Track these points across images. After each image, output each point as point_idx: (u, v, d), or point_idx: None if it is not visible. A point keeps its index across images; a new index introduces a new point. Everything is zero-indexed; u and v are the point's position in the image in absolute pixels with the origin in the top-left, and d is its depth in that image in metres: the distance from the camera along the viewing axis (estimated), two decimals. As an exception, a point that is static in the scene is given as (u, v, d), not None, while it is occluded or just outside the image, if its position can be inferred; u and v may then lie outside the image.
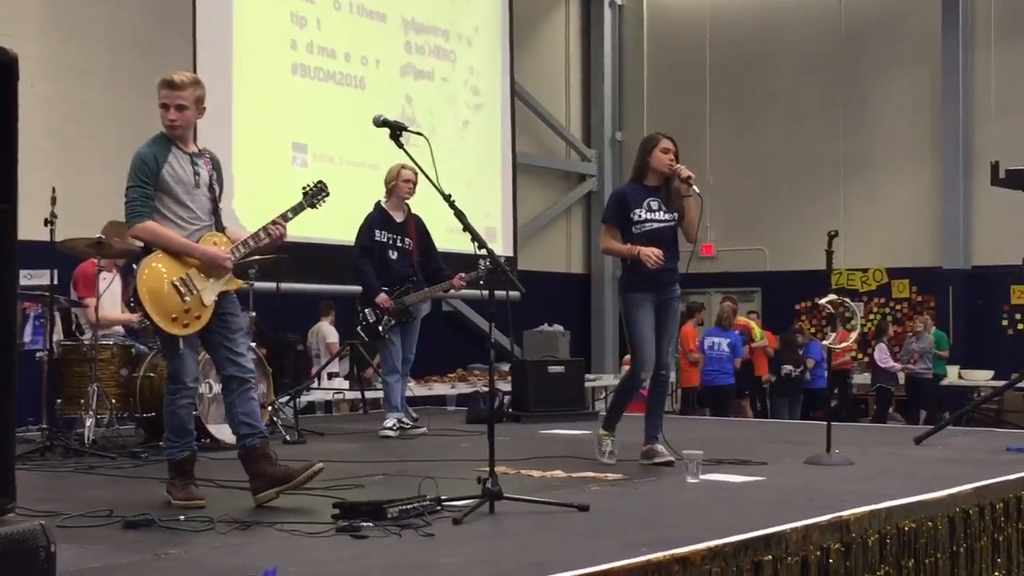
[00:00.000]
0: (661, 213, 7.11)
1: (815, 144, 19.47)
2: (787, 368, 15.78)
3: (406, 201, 9.22)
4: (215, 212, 5.77)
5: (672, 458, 6.99)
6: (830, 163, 19.34)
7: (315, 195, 5.94)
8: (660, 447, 7.11)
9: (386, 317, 9.04)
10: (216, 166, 5.82)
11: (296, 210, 5.87)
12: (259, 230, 5.77)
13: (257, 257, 5.97)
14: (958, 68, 18.28)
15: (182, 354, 5.57)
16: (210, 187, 5.73)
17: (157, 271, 5.53)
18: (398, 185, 9.11)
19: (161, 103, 5.64)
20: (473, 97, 16.85)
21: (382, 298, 8.99)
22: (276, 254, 7.91)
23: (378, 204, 9.24)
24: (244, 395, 5.66)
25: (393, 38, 15.41)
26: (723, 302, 16.23)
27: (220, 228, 5.79)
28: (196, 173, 5.66)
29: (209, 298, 5.60)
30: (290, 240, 6.08)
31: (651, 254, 6.96)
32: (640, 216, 7.07)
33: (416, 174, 8.88)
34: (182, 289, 5.52)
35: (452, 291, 9.44)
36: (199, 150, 5.76)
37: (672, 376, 12.27)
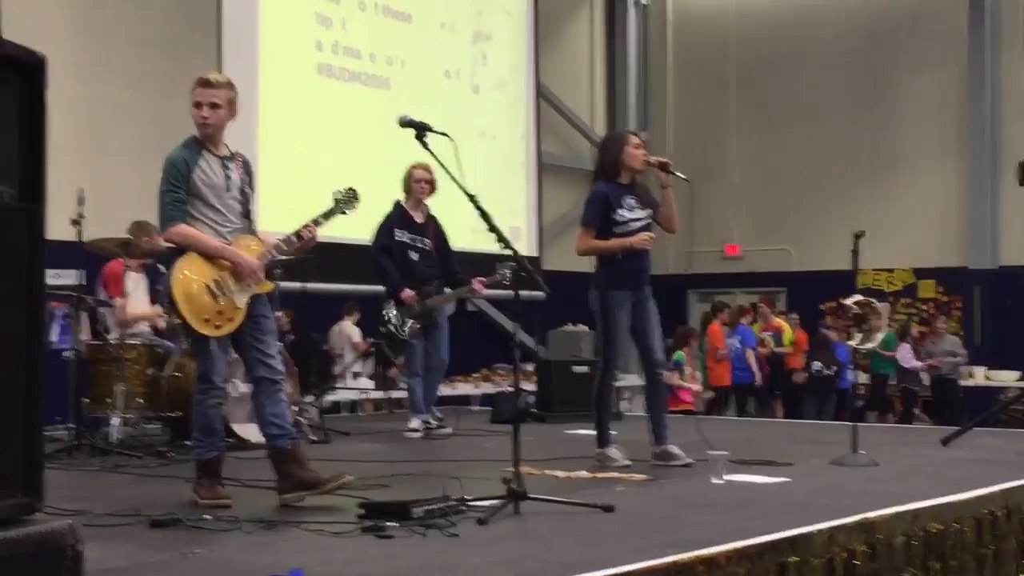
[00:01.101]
0: (639, 211, 7.10)
1: (841, 143, 19.39)
2: (817, 366, 15.68)
3: (425, 201, 9.20)
4: (247, 215, 5.78)
5: (690, 460, 6.97)
6: (856, 162, 19.25)
7: (346, 202, 5.96)
8: (674, 449, 7.09)
9: (410, 321, 8.99)
10: (247, 169, 5.82)
11: (327, 215, 5.90)
12: (291, 234, 5.78)
13: (283, 257, 5.98)
14: (985, 67, 18.17)
15: (213, 355, 5.59)
16: (241, 190, 5.74)
17: (191, 272, 5.54)
18: (413, 185, 9.09)
19: (194, 101, 5.66)
20: (498, 97, 16.84)
21: (407, 294, 8.95)
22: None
23: (398, 203, 9.21)
24: (274, 396, 5.67)
25: (418, 38, 15.41)
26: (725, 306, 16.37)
27: (252, 231, 5.80)
28: (227, 176, 5.67)
29: (242, 300, 5.61)
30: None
31: (644, 237, 6.95)
32: (623, 216, 7.04)
33: (431, 173, 8.88)
34: (215, 291, 5.54)
35: (473, 296, 9.40)
36: (230, 153, 5.77)
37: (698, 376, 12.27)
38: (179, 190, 5.54)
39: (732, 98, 20.27)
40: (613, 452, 7.06)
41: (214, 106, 5.64)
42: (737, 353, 14.97)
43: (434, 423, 9.30)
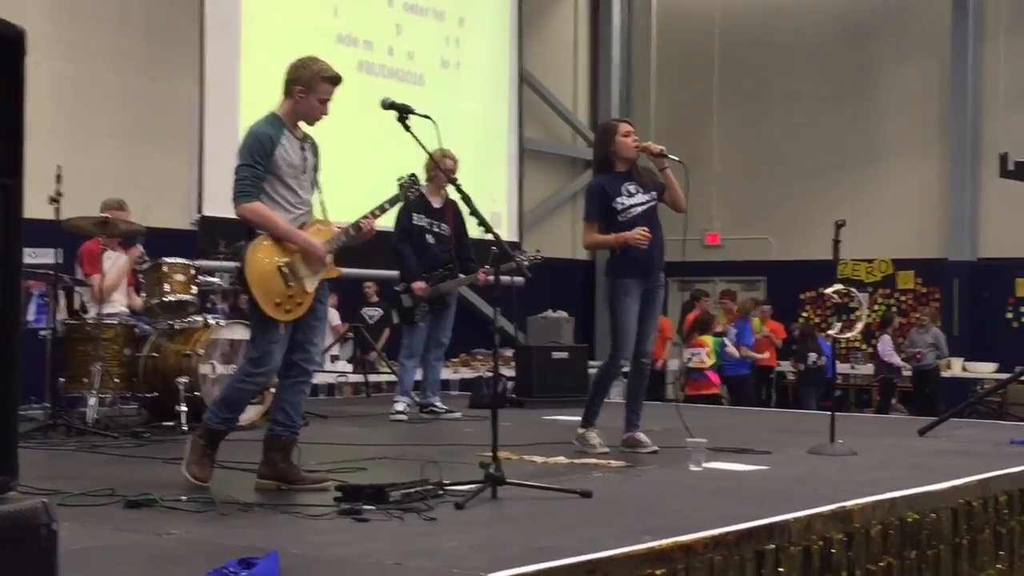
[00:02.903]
0: (641, 195, 7.09)
1: (822, 134, 19.41)
2: (812, 356, 15.68)
3: (443, 187, 9.19)
4: (317, 200, 5.74)
5: (655, 448, 7.00)
6: (837, 153, 19.28)
7: (409, 187, 5.96)
8: (642, 436, 7.11)
9: (421, 303, 9.06)
10: (317, 152, 5.75)
11: (393, 202, 5.93)
12: (354, 223, 5.73)
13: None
14: (967, 59, 18.21)
15: (274, 341, 5.48)
16: (314, 173, 5.70)
17: (266, 254, 5.47)
18: (438, 174, 9.03)
19: (322, 98, 5.59)
20: (480, 82, 16.81)
21: (419, 286, 9.03)
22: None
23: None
24: (299, 386, 5.63)
25: (400, 22, 15.37)
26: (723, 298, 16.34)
27: (323, 215, 5.77)
28: (304, 158, 5.62)
29: (312, 285, 5.56)
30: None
31: (636, 234, 6.94)
32: (623, 204, 7.04)
33: (455, 161, 8.84)
34: (288, 274, 5.48)
35: (477, 284, 9.43)
36: (304, 135, 5.70)
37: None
38: (259, 166, 5.45)
39: (715, 87, 20.27)
40: (593, 437, 7.07)
41: None
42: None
43: (442, 408, 9.35)
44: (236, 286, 6.49)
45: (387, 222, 9.16)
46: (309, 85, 5.56)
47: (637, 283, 7.05)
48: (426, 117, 5.59)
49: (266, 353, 5.50)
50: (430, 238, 9.18)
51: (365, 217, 5.74)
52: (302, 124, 5.67)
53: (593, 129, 20.50)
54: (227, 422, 5.61)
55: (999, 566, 6.10)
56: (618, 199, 7.04)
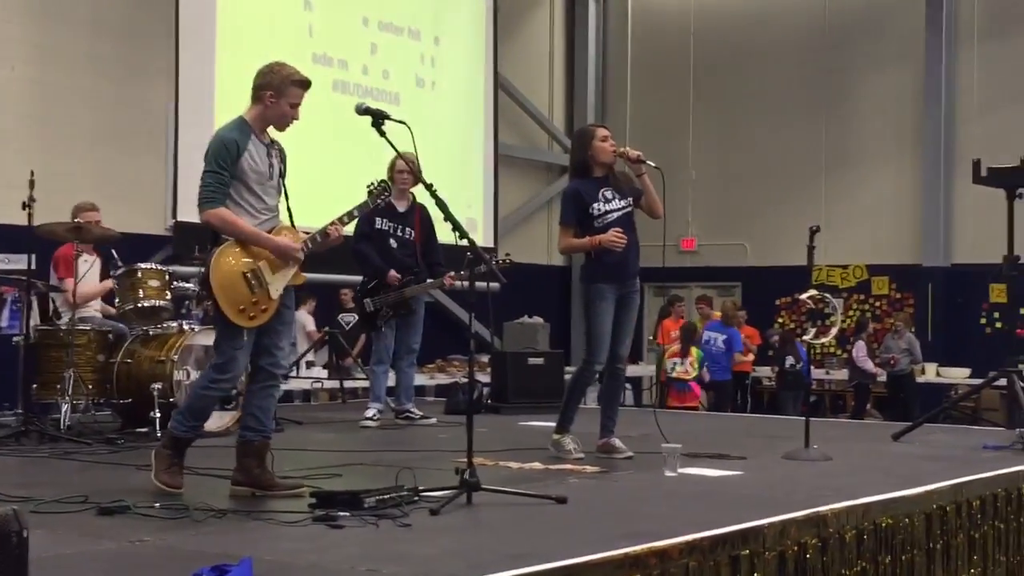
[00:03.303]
0: (617, 201, 7.10)
1: (797, 140, 19.48)
2: (790, 360, 15.65)
3: (409, 191, 9.17)
4: (286, 206, 5.72)
5: (631, 454, 7.01)
6: (812, 159, 19.35)
7: (379, 194, 6.00)
8: (617, 442, 7.11)
9: (384, 308, 9.00)
10: (284, 158, 5.74)
11: (362, 208, 5.92)
12: (322, 229, 5.72)
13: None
14: (941, 66, 18.31)
15: (238, 347, 5.48)
16: (280, 178, 5.68)
17: (229, 260, 5.46)
18: (395, 176, 9.04)
19: (292, 102, 5.58)
20: (456, 88, 16.80)
21: (393, 275, 8.96)
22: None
23: None
24: (266, 390, 5.61)
25: (376, 41, 15.34)
26: (698, 301, 16.34)
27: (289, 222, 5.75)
28: (271, 164, 5.60)
29: (277, 291, 5.54)
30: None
31: (611, 236, 6.94)
32: (599, 209, 7.05)
33: (412, 164, 8.84)
34: (252, 281, 5.46)
35: (446, 288, 9.40)
36: (272, 140, 5.68)
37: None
38: (224, 172, 5.42)
39: (691, 93, 20.31)
40: (568, 443, 7.06)
41: None
42: (715, 352, 14.87)
43: (418, 414, 9.31)
44: (202, 292, 6.46)
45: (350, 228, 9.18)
46: (279, 89, 5.55)
47: (612, 288, 7.06)
48: (401, 123, 5.58)
49: (231, 359, 5.50)
50: (393, 242, 9.11)
51: (332, 223, 5.73)
52: (270, 130, 5.65)
53: (569, 135, 20.54)
54: (193, 430, 5.58)
55: (972, 571, 6.13)
56: (594, 204, 7.04)
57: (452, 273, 9.01)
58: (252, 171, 5.50)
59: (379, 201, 6.02)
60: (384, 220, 9.09)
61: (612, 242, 6.93)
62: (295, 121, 5.64)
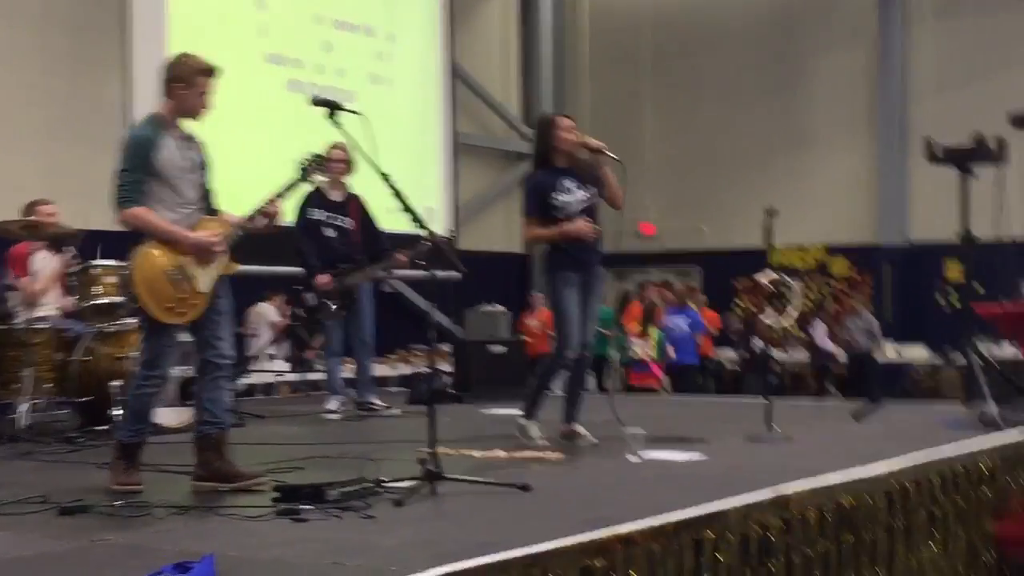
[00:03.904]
0: (579, 192, 7.09)
1: (753, 122, 19.55)
2: (759, 343, 15.67)
3: (342, 180, 9.14)
4: (206, 196, 5.67)
5: (594, 440, 7.02)
6: (768, 141, 19.43)
7: (309, 170, 5.87)
8: (580, 428, 7.13)
9: (327, 301, 8.95)
10: (203, 149, 5.70)
11: (291, 186, 5.79)
12: (254, 211, 5.67)
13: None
14: (894, 46, 18.42)
15: (166, 344, 5.47)
16: (201, 171, 5.63)
17: (152, 259, 5.41)
18: (329, 165, 9.02)
19: (203, 92, 5.55)
20: (411, 77, 16.75)
21: (322, 279, 8.90)
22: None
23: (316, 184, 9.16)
24: (216, 382, 5.58)
25: (330, 39, 15.28)
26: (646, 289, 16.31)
27: (212, 212, 5.70)
28: (188, 157, 5.56)
29: (205, 285, 5.50)
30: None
31: (580, 227, 6.96)
32: (560, 200, 7.05)
33: (347, 153, 8.84)
34: (177, 277, 5.41)
35: (396, 269, 9.33)
36: (188, 133, 5.64)
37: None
38: (139, 170, 5.38)
39: (647, 78, 20.35)
40: (533, 429, 7.09)
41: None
42: (683, 335, 14.88)
43: (380, 405, 9.27)
44: (127, 292, 6.42)
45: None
46: (188, 81, 5.52)
47: (577, 276, 7.08)
48: (355, 113, 5.56)
49: (159, 355, 5.50)
50: (329, 231, 9.07)
51: (270, 201, 5.67)
52: (186, 122, 5.62)
53: (526, 123, 20.54)
54: (139, 433, 5.55)
55: (934, 547, 6.18)
56: (555, 195, 7.04)
57: (403, 251, 8.95)
58: (168, 166, 5.46)
59: (309, 177, 5.90)
60: (320, 211, 9.05)
61: (583, 232, 6.94)
62: (209, 111, 5.60)
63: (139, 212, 5.39)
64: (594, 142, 7.07)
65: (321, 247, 9.01)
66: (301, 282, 9.13)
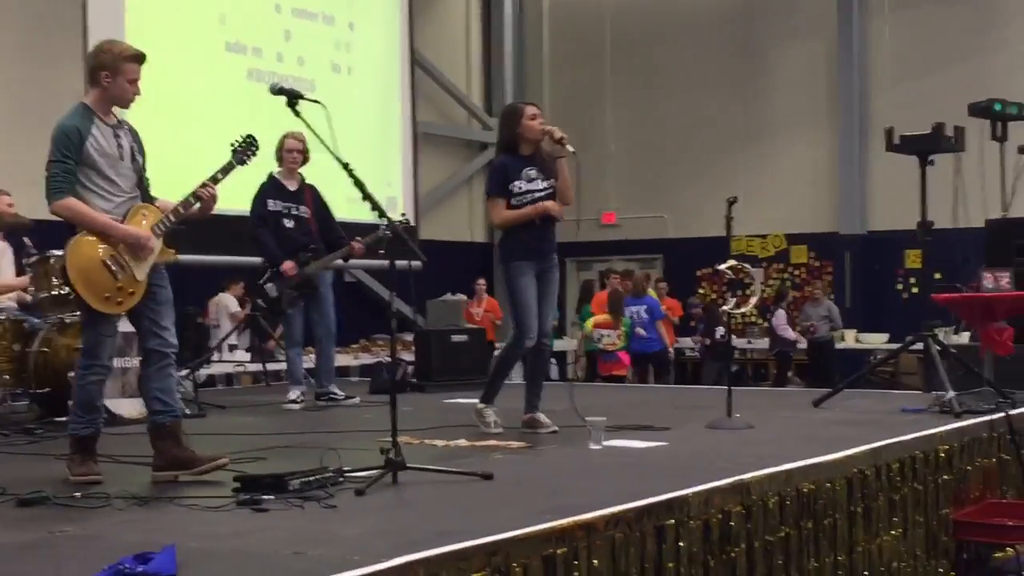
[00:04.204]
0: (539, 182, 7.10)
1: (714, 112, 19.61)
2: (721, 331, 15.68)
3: (298, 171, 9.13)
4: (140, 184, 5.64)
5: (555, 428, 7.04)
6: (729, 131, 19.50)
7: (244, 151, 5.83)
8: (542, 417, 7.15)
9: (288, 291, 8.93)
10: (136, 137, 5.67)
11: (226, 170, 5.74)
12: (188, 196, 5.64)
13: (180, 224, 5.79)
14: (853, 36, 18.52)
15: (105, 332, 5.46)
16: (133, 158, 5.59)
17: (87, 249, 5.38)
18: (284, 155, 9.03)
19: (130, 78, 5.51)
20: (372, 66, 16.69)
21: (287, 266, 8.88)
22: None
23: (271, 174, 9.14)
24: (163, 370, 5.56)
25: (289, 28, 15.20)
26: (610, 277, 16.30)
27: (148, 199, 5.66)
28: (120, 145, 5.53)
29: (142, 273, 5.48)
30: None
31: (551, 205, 6.98)
32: (520, 188, 7.06)
33: (303, 143, 8.84)
34: (113, 267, 5.39)
35: (353, 257, 9.33)
36: (119, 121, 5.61)
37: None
38: (69, 160, 5.36)
39: (608, 67, 20.36)
40: (490, 415, 7.12)
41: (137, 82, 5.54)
42: (643, 322, 14.89)
43: (341, 395, 9.25)
44: (63, 283, 6.39)
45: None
46: (114, 68, 5.50)
47: (531, 264, 7.08)
48: (315, 102, 5.54)
49: (97, 344, 5.48)
50: (288, 222, 9.05)
51: (203, 185, 5.64)
52: (116, 110, 5.60)
53: (488, 111, 20.55)
54: (91, 423, 5.52)
55: (893, 532, 6.23)
56: (516, 182, 7.05)
57: (357, 239, 8.94)
58: (99, 155, 5.44)
59: (244, 159, 5.85)
60: (276, 201, 9.03)
61: (550, 210, 6.97)
62: (138, 96, 5.57)
63: (70, 203, 5.37)
64: (558, 131, 7.07)
65: (280, 237, 8.98)
66: (262, 272, 9.10)
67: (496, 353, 7.30)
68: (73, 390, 5.63)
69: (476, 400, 7.36)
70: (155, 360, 5.56)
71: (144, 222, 5.54)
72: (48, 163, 5.40)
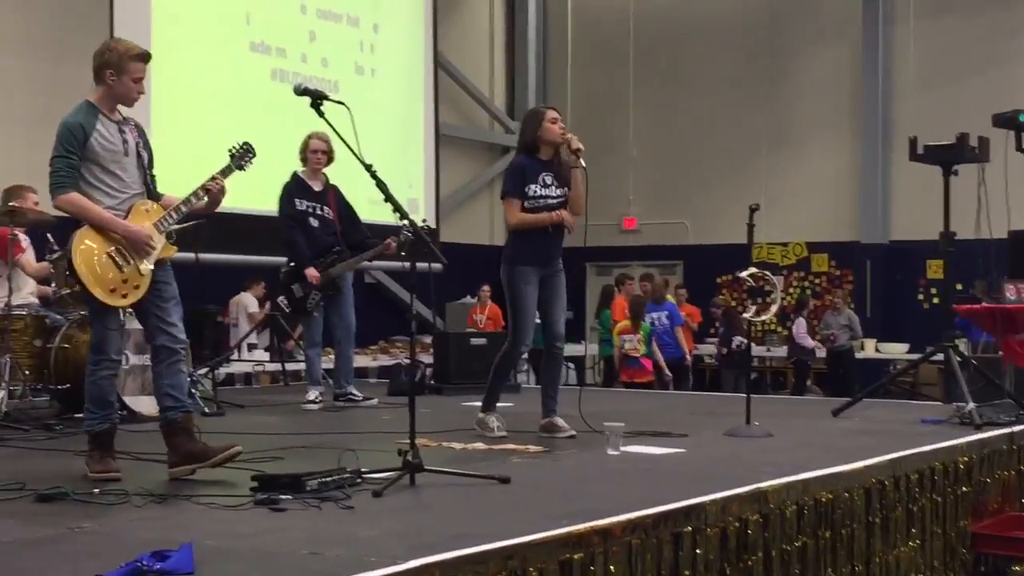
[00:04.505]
0: (554, 188, 7.11)
1: (737, 118, 19.58)
2: (737, 340, 15.66)
3: (322, 171, 9.15)
4: (145, 180, 5.67)
5: (573, 432, 7.03)
6: (751, 137, 19.46)
7: (242, 156, 5.86)
8: (559, 421, 7.13)
9: (313, 291, 8.98)
10: (142, 133, 5.72)
11: (225, 173, 5.77)
12: (195, 190, 5.67)
13: (176, 227, 5.84)
14: (878, 43, 18.46)
15: (111, 326, 5.49)
16: (138, 155, 5.63)
17: (92, 242, 5.42)
18: (308, 155, 9.06)
19: (135, 77, 5.54)
20: (395, 68, 16.72)
21: (311, 274, 8.93)
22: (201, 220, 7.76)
23: (295, 174, 9.18)
24: (173, 366, 5.58)
25: (314, 29, 15.23)
26: (624, 283, 16.29)
27: (153, 196, 5.69)
28: (124, 141, 5.56)
29: (146, 267, 5.51)
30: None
31: (565, 215, 6.99)
32: (535, 192, 7.07)
33: (327, 143, 8.86)
34: (119, 260, 5.42)
35: (386, 256, 9.32)
36: (124, 118, 5.65)
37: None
38: (73, 155, 5.41)
39: (631, 72, 20.34)
40: (492, 421, 7.11)
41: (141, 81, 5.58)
42: (663, 329, 14.87)
43: (359, 396, 9.26)
44: (69, 276, 6.42)
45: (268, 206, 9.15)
46: (119, 66, 5.52)
47: (535, 270, 7.09)
48: (339, 103, 5.56)
49: (104, 338, 5.51)
50: (314, 222, 9.09)
51: (211, 180, 5.67)
52: (121, 108, 5.62)
53: (510, 115, 20.56)
54: (106, 419, 5.55)
55: (911, 543, 6.21)
56: (532, 186, 7.06)
57: (392, 237, 8.93)
58: (103, 151, 5.48)
59: (243, 164, 5.87)
60: (302, 201, 9.07)
61: (565, 220, 6.97)
62: (142, 95, 5.60)
63: (72, 198, 5.42)
64: (576, 142, 7.07)
65: (307, 238, 9.02)
66: (289, 273, 9.11)
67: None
68: (85, 386, 5.65)
69: (497, 403, 7.35)
70: (165, 356, 5.59)
71: (147, 219, 5.57)
72: (52, 158, 5.45)
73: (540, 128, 7.11)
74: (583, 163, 7.03)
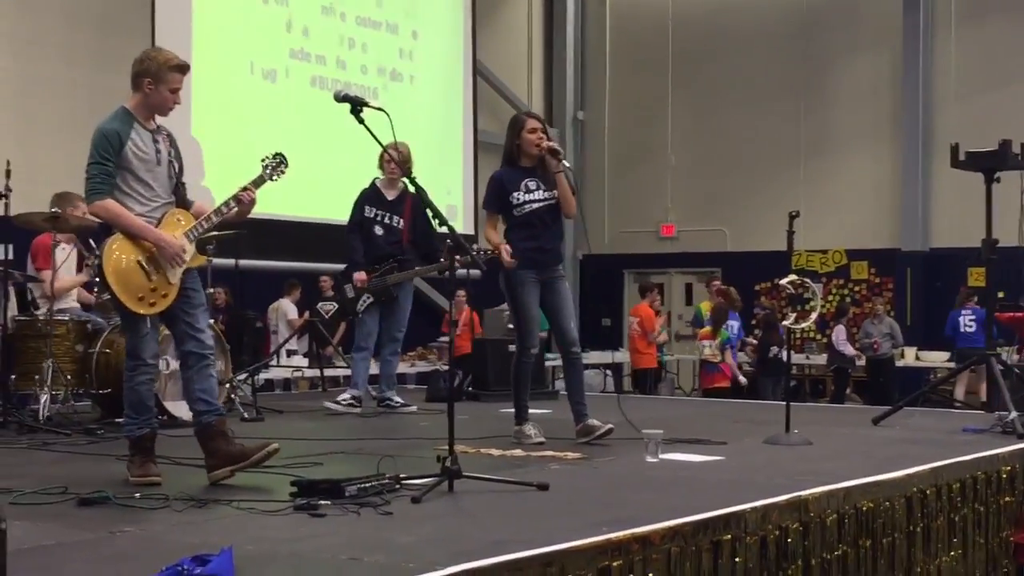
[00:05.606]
0: (540, 192, 7.14)
1: (776, 126, 19.52)
2: (774, 349, 15.60)
3: (400, 180, 9.16)
4: (176, 189, 5.71)
5: (611, 425, 7.01)
6: (790, 145, 19.40)
7: (275, 167, 5.91)
8: (593, 421, 7.12)
9: (364, 295, 9.04)
10: (173, 143, 5.77)
11: (256, 183, 5.82)
12: (227, 200, 5.72)
13: (215, 233, 5.89)
14: (918, 51, 18.36)
15: (143, 332, 5.54)
16: (170, 164, 5.67)
17: (122, 250, 5.47)
18: (384, 164, 9.12)
19: (172, 88, 5.58)
20: (434, 74, 16.77)
21: (359, 277, 9.04)
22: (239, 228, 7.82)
23: (373, 181, 9.27)
24: (203, 371, 5.62)
25: (353, 36, 15.30)
26: (711, 284, 16.25)
27: (184, 204, 5.74)
28: (157, 151, 5.62)
29: (175, 276, 5.56)
30: (250, 216, 6.00)
31: (505, 254, 6.96)
32: (519, 199, 7.11)
33: (404, 153, 8.88)
34: (148, 268, 5.47)
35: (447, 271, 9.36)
36: (157, 127, 5.70)
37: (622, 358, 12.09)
38: (108, 162, 5.46)
39: (669, 79, 20.32)
40: (529, 429, 7.08)
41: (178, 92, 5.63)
42: (739, 337, 14.87)
43: (399, 402, 9.30)
44: (98, 283, 6.46)
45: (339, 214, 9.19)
46: (157, 76, 5.56)
47: (532, 273, 7.11)
48: (380, 109, 5.57)
49: (138, 344, 5.55)
50: (378, 230, 9.17)
51: (243, 190, 5.71)
52: (156, 117, 5.67)
53: (549, 122, 20.51)
54: (146, 424, 5.59)
55: (953, 553, 6.16)
56: (515, 194, 7.12)
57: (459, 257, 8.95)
58: (137, 159, 5.52)
59: (274, 175, 5.91)
60: (372, 208, 9.16)
61: (501, 258, 6.95)
62: (177, 105, 5.64)
63: (108, 204, 5.47)
64: (547, 144, 7.09)
65: (369, 245, 9.11)
66: (343, 273, 9.31)
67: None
68: (123, 392, 5.69)
69: (532, 410, 7.34)
70: (194, 362, 5.63)
71: (179, 229, 5.61)
72: (88, 165, 5.50)
73: (519, 138, 7.18)
74: (566, 164, 7.10)
